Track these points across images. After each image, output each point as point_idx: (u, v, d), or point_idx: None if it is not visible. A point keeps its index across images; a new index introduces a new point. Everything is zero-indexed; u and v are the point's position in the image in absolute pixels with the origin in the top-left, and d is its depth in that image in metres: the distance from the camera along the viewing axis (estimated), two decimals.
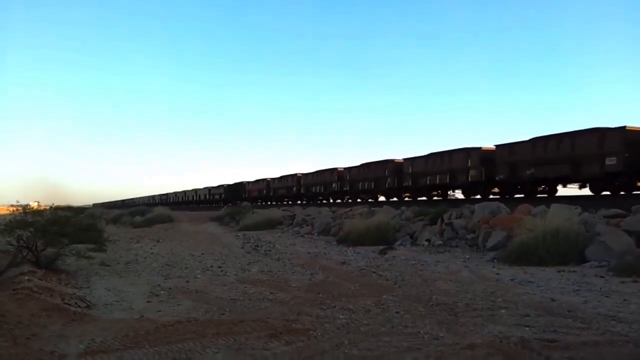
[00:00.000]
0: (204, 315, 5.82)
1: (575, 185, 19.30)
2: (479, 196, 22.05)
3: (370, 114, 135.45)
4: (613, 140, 16.64)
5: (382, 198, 29.86)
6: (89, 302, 6.66)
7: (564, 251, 9.17)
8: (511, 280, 7.86)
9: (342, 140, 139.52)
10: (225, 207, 38.00)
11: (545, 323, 5.11)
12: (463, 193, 24.18)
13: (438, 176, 24.30)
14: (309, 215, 22.88)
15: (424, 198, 25.47)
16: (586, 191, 18.87)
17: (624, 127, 16.51)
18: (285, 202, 41.20)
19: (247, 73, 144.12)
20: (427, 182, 25.18)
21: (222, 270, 9.72)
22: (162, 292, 7.49)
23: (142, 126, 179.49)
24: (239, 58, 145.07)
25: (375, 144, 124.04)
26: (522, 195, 20.55)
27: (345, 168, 34.65)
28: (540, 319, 5.32)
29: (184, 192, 73.64)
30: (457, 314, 5.62)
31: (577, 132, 18.05)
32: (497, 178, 21.20)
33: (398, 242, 13.59)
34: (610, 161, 16.55)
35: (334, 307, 6.14)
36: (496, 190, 22.38)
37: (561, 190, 20.03)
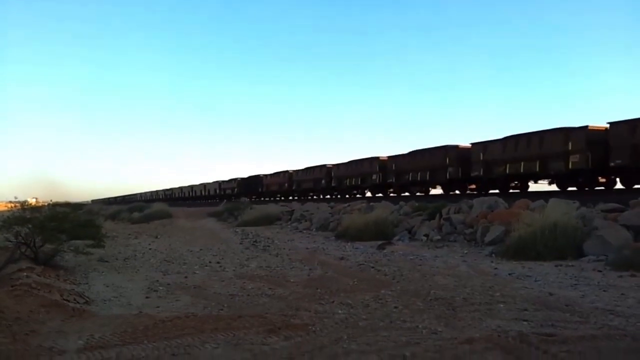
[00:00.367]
0: (202, 311, 5.82)
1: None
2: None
3: (369, 110, 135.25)
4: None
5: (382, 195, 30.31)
6: (88, 298, 6.67)
7: (561, 245, 9.19)
8: (509, 274, 7.88)
9: (340, 137, 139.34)
10: (224, 202, 37.76)
11: (543, 317, 5.13)
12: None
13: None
14: (307, 211, 22.88)
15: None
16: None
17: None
18: (311, 197, 35.92)
19: (248, 68, 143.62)
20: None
21: (220, 266, 9.72)
22: (161, 287, 7.50)
23: (141, 122, 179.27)
24: (239, 54, 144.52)
25: (373, 140, 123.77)
26: (516, 191, 20.83)
27: (389, 157, 28.95)
28: (538, 313, 5.33)
29: (191, 187, 69.42)
30: (456, 309, 5.63)
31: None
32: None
33: (396, 237, 13.61)
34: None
35: (333, 302, 6.16)
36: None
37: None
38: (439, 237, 12.98)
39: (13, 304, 5.57)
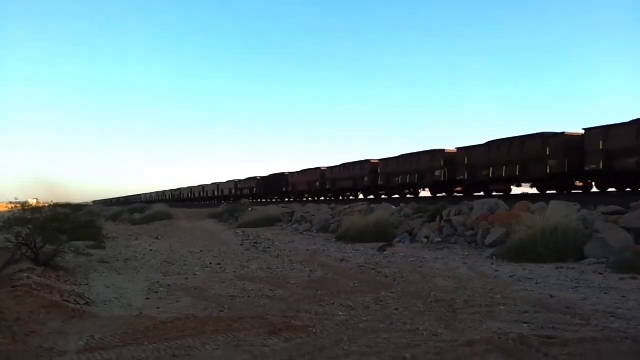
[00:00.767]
0: (203, 312, 5.82)
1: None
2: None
3: (369, 110, 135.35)
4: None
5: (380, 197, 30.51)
6: (88, 299, 6.67)
7: (562, 248, 9.18)
8: (510, 277, 7.87)
9: (336, 138, 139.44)
10: (225, 204, 37.66)
11: (544, 319, 5.12)
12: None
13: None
14: (307, 213, 22.89)
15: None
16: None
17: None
18: (347, 197, 32.33)
19: (248, 68, 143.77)
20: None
21: (221, 267, 9.72)
22: (161, 289, 7.50)
23: (144, 121, 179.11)
24: (238, 54, 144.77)
25: (374, 141, 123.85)
26: (517, 193, 20.91)
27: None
28: (539, 315, 5.33)
29: (202, 187, 63.61)
30: (456, 311, 5.63)
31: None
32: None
33: (397, 239, 13.60)
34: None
35: (333, 304, 6.15)
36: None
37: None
38: (439, 239, 12.97)
39: (14, 304, 5.58)
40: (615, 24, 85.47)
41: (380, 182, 29.28)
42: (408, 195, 26.77)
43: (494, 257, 9.96)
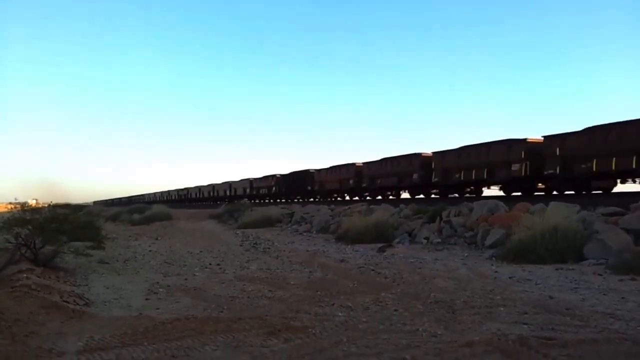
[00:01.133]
0: (202, 313, 5.82)
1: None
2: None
3: (369, 110, 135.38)
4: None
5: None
6: (88, 299, 6.67)
7: (562, 249, 9.18)
8: (509, 278, 7.87)
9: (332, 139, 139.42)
10: (224, 205, 37.44)
11: (543, 321, 5.12)
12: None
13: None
14: (307, 213, 22.90)
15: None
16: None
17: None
18: (390, 197, 28.42)
19: (247, 67, 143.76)
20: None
21: (220, 268, 9.72)
22: (161, 289, 7.50)
23: (144, 121, 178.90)
24: (238, 53, 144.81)
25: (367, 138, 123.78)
26: (517, 194, 20.93)
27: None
28: (538, 316, 5.33)
29: (212, 186, 59.40)
30: (456, 312, 5.63)
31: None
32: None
33: (397, 240, 13.60)
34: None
35: (333, 304, 6.15)
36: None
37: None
38: (439, 240, 12.98)
39: (13, 305, 5.57)
40: (615, 23, 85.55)
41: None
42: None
43: (494, 258, 9.96)
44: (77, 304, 6.26)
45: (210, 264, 10.27)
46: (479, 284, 7.39)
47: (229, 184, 53.71)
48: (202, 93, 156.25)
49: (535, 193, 20.05)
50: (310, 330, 4.87)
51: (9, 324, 4.90)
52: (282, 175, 41.93)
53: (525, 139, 19.83)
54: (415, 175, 25.78)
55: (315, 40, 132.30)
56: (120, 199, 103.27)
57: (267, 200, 42.11)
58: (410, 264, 9.72)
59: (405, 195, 28.32)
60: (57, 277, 8.16)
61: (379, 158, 29.55)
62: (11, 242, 9.27)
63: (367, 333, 4.76)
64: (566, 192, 18.85)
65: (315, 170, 36.35)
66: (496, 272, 8.48)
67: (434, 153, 24.84)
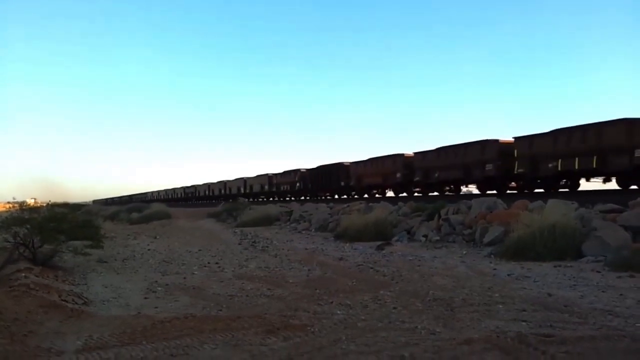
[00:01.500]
0: (201, 312, 5.82)
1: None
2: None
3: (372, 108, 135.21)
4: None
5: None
6: (86, 298, 6.66)
7: (560, 246, 9.19)
8: (508, 275, 7.88)
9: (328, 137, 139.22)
10: (223, 203, 37.10)
11: (542, 318, 5.13)
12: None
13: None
14: (306, 212, 22.88)
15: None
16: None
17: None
18: (448, 193, 24.10)
19: (249, 65, 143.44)
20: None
21: (219, 267, 9.72)
22: (159, 288, 7.49)
23: (144, 120, 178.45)
24: (239, 52, 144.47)
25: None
26: (514, 192, 21.28)
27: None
28: (536, 313, 5.33)
29: (223, 183, 55.17)
30: (454, 309, 5.63)
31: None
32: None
33: (395, 238, 13.60)
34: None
35: (332, 302, 6.15)
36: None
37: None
38: (437, 237, 12.98)
39: (11, 304, 5.57)
40: (613, 23, 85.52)
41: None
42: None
43: (492, 256, 9.97)
44: (76, 303, 6.26)
45: (209, 263, 10.27)
46: (478, 281, 7.39)
47: (244, 181, 49.32)
48: (202, 92, 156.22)
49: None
50: (309, 328, 4.87)
51: (7, 323, 4.89)
52: (308, 170, 37.38)
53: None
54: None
55: (315, 40, 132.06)
56: (120, 197, 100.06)
57: (288, 198, 37.48)
58: (409, 261, 9.73)
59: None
60: (56, 276, 8.15)
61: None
62: (9, 242, 9.25)
63: (365, 331, 4.76)
64: (561, 190, 19.06)
65: (351, 162, 31.88)
66: (495, 269, 8.49)
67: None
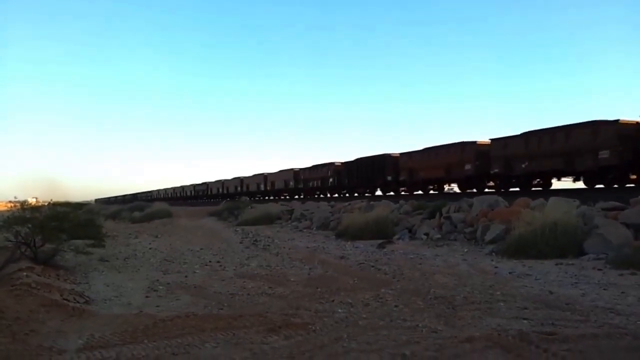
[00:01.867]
0: (202, 310, 5.82)
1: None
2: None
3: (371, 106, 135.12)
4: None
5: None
6: (88, 297, 6.67)
7: (562, 244, 9.18)
8: (509, 273, 7.87)
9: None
10: (225, 201, 36.86)
11: (544, 316, 5.12)
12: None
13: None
14: (307, 210, 22.90)
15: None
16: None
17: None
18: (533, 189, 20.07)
19: (249, 64, 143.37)
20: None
21: (220, 265, 9.72)
22: (161, 287, 7.50)
23: (143, 119, 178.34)
24: (239, 51, 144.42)
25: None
26: (515, 189, 21.22)
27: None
28: (538, 311, 5.33)
29: (239, 179, 51.11)
30: (456, 307, 5.63)
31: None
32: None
33: (396, 236, 13.61)
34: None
35: (333, 301, 6.15)
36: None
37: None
38: (439, 235, 12.97)
39: (13, 303, 5.58)
40: (614, 19, 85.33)
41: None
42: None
43: (494, 254, 9.96)
44: (78, 302, 6.26)
45: (210, 262, 10.27)
46: (479, 279, 7.39)
47: (264, 177, 45.02)
48: (203, 91, 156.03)
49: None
50: (310, 326, 4.87)
51: (9, 322, 4.89)
52: (344, 163, 32.99)
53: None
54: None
55: (314, 39, 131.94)
56: (124, 196, 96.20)
57: (317, 195, 34.11)
58: (410, 260, 9.73)
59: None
60: (57, 275, 8.16)
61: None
62: (11, 241, 9.26)
63: (367, 329, 4.76)
64: (562, 188, 19.15)
65: (401, 154, 27.76)
66: (496, 267, 8.49)
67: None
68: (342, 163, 33.37)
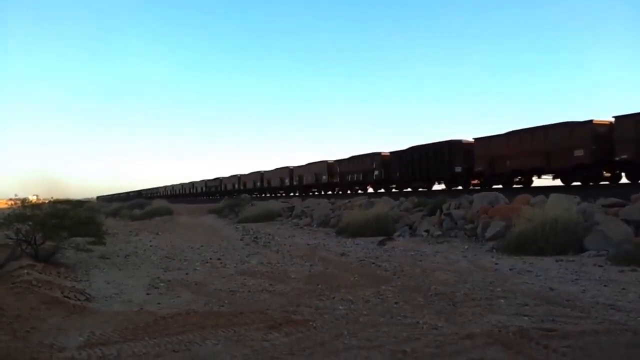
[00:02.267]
0: (203, 307, 5.83)
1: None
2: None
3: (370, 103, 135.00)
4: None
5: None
6: (89, 295, 6.68)
7: (562, 241, 9.18)
8: (510, 270, 7.88)
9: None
10: (225, 199, 36.64)
11: (544, 312, 5.13)
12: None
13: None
14: (307, 207, 22.91)
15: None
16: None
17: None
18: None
19: (248, 62, 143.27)
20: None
21: (221, 263, 9.73)
22: (162, 284, 7.51)
23: (143, 116, 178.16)
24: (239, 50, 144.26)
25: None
26: (518, 186, 21.27)
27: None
28: (539, 308, 5.33)
29: (259, 174, 45.36)
30: (456, 304, 5.63)
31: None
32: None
33: (397, 233, 13.60)
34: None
35: (333, 298, 6.16)
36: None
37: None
38: (439, 232, 12.97)
39: (14, 301, 5.59)
40: (614, 17, 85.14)
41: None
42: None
43: (494, 250, 9.96)
44: (78, 299, 6.27)
45: (210, 259, 10.28)
46: (480, 276, 7.39)
47: (289, 171, 39.95)
48: (205, 90, 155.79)
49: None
50: (311, 323, 4.87)
51: (10, 319, 4.90)
52: (394, 153, 27.76)
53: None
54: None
55: (316, 36, 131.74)
56: (128, 193, 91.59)
57: (356, 191, 30.59)
58: (411, 256, 9.73)
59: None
60: (58, 273, 8.17)
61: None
62: (12, 238, 9.27)
63: (367, 326, 4.76)
64: (559, 185, 19.23)
65: (476, 139, 22.47)
66: (497, 264, 8.49)
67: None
68: (390, 153, 28.29)
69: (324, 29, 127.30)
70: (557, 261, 8.45)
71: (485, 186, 21.59)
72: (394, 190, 27.28)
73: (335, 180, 33.76)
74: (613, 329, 4.39)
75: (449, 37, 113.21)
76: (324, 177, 34.66)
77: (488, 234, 11.34)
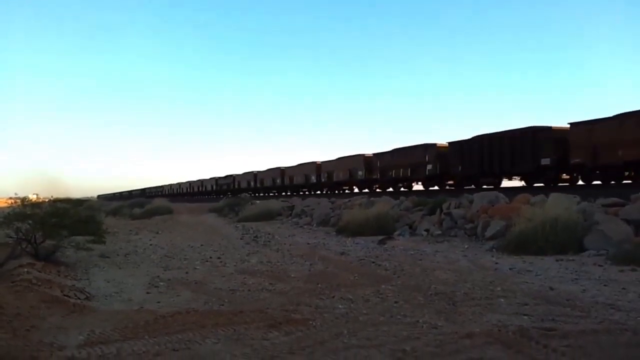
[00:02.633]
0: (203, 306, 5.83)
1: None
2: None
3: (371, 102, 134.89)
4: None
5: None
6: (88, 293, 6.68)
7: (562, 240, 9.18)
8: (510, 269, 7.88)
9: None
10: (226, 198, 36.67)
11: (544, 312, 5.13)
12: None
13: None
14: (307, 206, 22.90)
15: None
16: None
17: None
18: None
19: (249, 61, 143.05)
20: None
21: (221, 261, 9.73)
22: (162, 283, 7.51)
23: (142, 115, 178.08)
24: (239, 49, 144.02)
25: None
26: (518, 186, 21.32)
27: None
28: (538, 307, 5.33)
29: (279, 170, 40.59)
30: (456, 303, 5.63)
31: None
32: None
33: (397, 232, 13.61)
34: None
35: (333, 297, 6.16)
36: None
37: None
38: (439, 232, 12.98)
39: (14, 299, 5.58)
40: (614, 15, 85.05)
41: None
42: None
43: (494, 250, 9.96)
44: (78, 298, 6.27)
45: (210, 258, 10.28)
46: (480, 275, 7.39)
47: (315, 166, 35.55)
48: (206, 89, 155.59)
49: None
50: (310, 322, 4.87)
51: (9, 318, 4.90)
52: (453, 144, 23.34)
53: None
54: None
55: (316, 35, 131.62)
56: (130, 192, 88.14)
57: (399, 188, 26.81)
58: (411, 256, 9.73)
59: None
60: (58, 272, 8.17)
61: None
62: (12, 237, 9.27)
63: (367, 325, 4.76)
64: (564, 184, 19.05)
65: (571, 124, 17.88)
66: (497, 263, 8.49)
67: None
68: (448, 143, 23.84)
69: (324, 29, 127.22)
70: (557, 260, 8.45)
71: (587, 181, 17.82)
72: (451, 188, 23.51)
73: (374, 177, 29.32)
74: (613, 329, 4.39)
75: (448, 37, 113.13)
76: (360, 173, 30.28)
77: (488, 234, 11.34)
